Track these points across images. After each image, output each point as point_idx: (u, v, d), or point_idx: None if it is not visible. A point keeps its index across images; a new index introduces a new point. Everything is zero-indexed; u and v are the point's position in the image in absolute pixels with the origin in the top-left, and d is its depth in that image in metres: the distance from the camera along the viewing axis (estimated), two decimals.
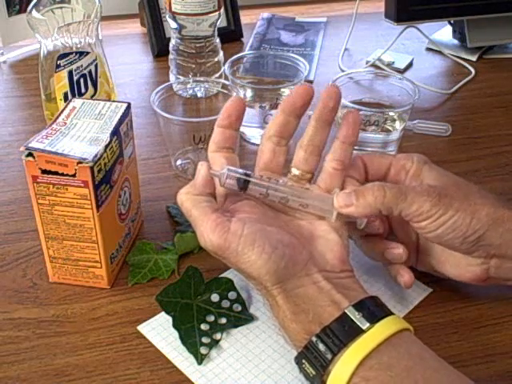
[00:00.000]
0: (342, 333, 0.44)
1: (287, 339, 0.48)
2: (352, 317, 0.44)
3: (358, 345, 0.43)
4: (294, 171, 0.53)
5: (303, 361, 0.45)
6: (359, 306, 0.45)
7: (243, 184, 0.50)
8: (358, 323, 0.44)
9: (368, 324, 0.44)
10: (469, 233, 0.49)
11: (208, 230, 0.47)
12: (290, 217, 0.52)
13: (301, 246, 0.48)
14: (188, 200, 0.49)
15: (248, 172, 0.51)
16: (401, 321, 0.46)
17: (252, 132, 0.79)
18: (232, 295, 0.55)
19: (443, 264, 0.54)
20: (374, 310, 0.45)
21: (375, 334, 0.44)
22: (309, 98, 0.53)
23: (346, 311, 0.45)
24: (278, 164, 0.53)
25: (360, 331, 0.44)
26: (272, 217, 0.51)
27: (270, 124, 0.53)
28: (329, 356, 0.43)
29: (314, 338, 0.45)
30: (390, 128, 0.74)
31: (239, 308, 0.55)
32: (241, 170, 0.50)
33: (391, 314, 0.46)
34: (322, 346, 0.44)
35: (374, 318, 0.44)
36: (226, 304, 0.55)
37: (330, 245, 0.50)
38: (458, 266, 0.53)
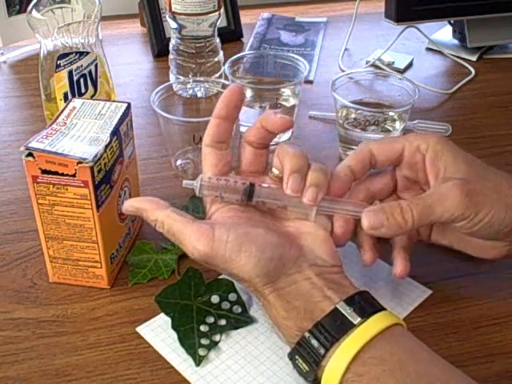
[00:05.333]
0: (333, 328, 0.44)
1: (281, 336, 0.49)
2: (343, 312, 0.45)
3: (351, 340, 0.43)
4: (275, 171, 0.52)
5: (296, 357, 0.46)
6: (350, 301, 0.45)
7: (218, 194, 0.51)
8: (350, 318, 0.44)
9: (359, 319, 0.44)
10: (502, 227, 0.50)
11: (193, 241, 0.47)
12: (276, 217, 0.52)
13: (289, 243, 0.49)
14: (165, 217, 0.49)
15: (221, 178, 0.51)
16: (393, 316, 0.46)
17: None
18: (232, 297, 0.55)
19: (465, 244, 0.55)
20: (365, 305, 0.45)
21: (367, 329, 0.44)
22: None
23: (337, 306, 0.45)
24: (261, 165, 0.53)
25: (352, 326, 0.44)
26: (257, 219, 0.51)
27: (247, 130, 0.53)
28: (322, 351, 0.44)
29: (306, 334, 0.45)
30: (390, 128, 0.74)
31: (239, 310, 0.55)
32: (214, 178, 0.51)
33: (383, 308, 0.46)
34: (314, 342, 0.44)
35: (365, 313, 0.45)
36: (225, 306, 0.55)
37: (319, 240, 0.50)
38: (482, 248, 0.54)
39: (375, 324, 0.44)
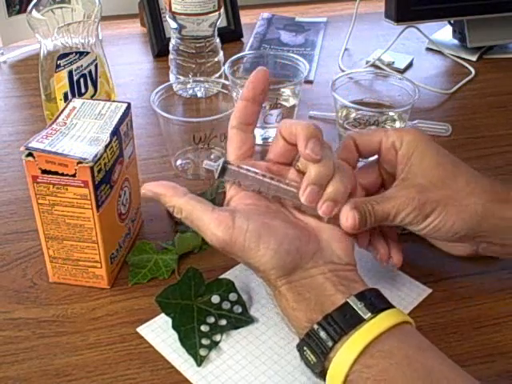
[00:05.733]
0: (343, 321, 0.44)
1: (290, 327, 0.49)
2: (354, 306, 0.45)
3: (361, 333, 0.44)
4: (300, 165, 0.51)
5: (304, 348, 0.46)
6: (361, 297, 0.46)
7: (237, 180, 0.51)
8: (360, 312, 0.45)
9: (369, 314, 0.44)
10: (450, 234, 0.51)
11: (212, 228, 0.47)
12: (295, 209, 0.52)
13: (307, 236, 0.49)
14: (184, 204, 0.49)
15: (243, 166, 0.51)
16: (402, 314, 0.46)
17: None
18: (233, 297, 0.55)
19: (433, 239, 0.56)
20: (376, 302, 0.46)
21: (377, 324, 0.44)
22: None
23: (348, 300, 0.45)
24: (290, 158, 0.53)
25: (361, 320, 0.44)
26: (275, 209, 0.51)
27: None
28: (330, 343, 0.44)
29: (315, 326, 0.45)
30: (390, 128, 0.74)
31: (240, 310, 0.55)
32: (235, 164, 0.50)
33: (392, 306, 0.46)
34: (323, 334, 0.44)
35: (375, 309, 0.45)
36: (226, 306, 0.55)
37: (337, 236, 0.50)
38: (447, 245, 0.55)
39: (385, 320, 0.44)
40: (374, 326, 0.44)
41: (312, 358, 0.45)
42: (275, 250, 0.46)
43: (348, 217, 0.49)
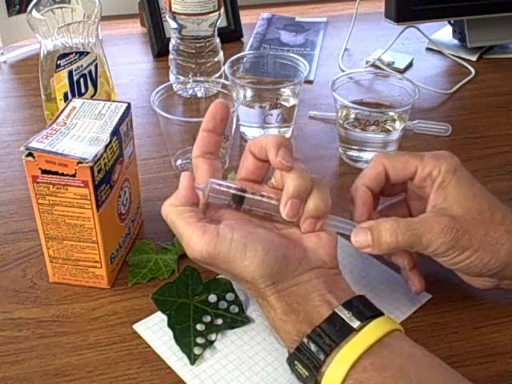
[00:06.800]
0: (333, 332, 0.44)
1: (279, 340, 0.48)
2: (342, 316, 0.44)
3: (351, 346, 0.43)
4: (274, 182, 0.51)
5: (295, 362, 0.45)
6: (348, 305, 0.45)
7: (227, 199, 0.49)
8: (349, 322, 0.44)
9: (359, 322, 0.44)
10: (484, 270, 0.50)
11: (195, 239, 0.46)
12: (277, 221, 0.51)
13: (293, 244, 0.48)
14: (171, 212, 0.48)
15: (231, 185, 0.49)
16: (391, 321, 0.46)
17: (252, 132, 0.79)
18: (230, 296, 0.55)
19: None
20: (364, 309, 0.45)
21: (367, 335, 0.43)
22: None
23: (335, 310, 0.45)
24: (261, 175, 0.52)
25: (351, 330, 0.44)
26: (258, 223, 0.50)
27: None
28: (321, 357, 0.43)
29: (305, 339, 0.44)
30: (390, 128, 0.74)
31: (236, 310, 0.55)
32: (225, 184, 0.49)
33: (381, 313, 0.46)
34: (313, 347, 0.44)
35: (364, 317, 0.44)
36: (223, 305, 0.55)
37: (323, 241, 0.49)
38: (470, 277, 0.54)
39: (375, 330, 0.44)
40: (364, 337, 0.43)
41: (304, 371, 0.44)
42: (263, 257, 0.46)
43: (354, 235, 0.50)
